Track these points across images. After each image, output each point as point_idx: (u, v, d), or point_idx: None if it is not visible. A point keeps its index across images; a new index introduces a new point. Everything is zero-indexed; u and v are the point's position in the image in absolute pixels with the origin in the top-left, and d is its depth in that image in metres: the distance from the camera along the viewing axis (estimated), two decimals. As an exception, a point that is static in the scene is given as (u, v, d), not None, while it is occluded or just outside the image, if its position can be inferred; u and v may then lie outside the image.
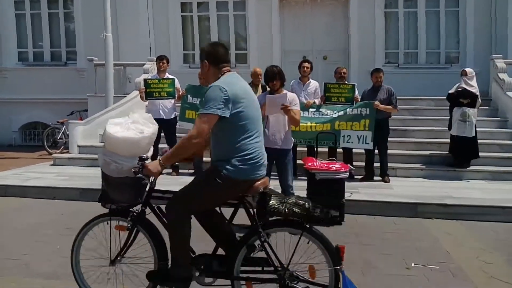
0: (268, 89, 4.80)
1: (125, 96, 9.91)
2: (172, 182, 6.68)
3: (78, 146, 8.53)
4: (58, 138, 10.37)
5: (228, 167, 2.61)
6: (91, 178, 6.86)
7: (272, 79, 4.63)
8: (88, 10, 11.35)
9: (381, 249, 4.27)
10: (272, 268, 2.66)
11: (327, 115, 6.97)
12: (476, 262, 3.95)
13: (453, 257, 4.06)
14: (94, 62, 10.57)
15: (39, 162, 8.96)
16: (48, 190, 6.41)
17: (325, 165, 5.18)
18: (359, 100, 7.03)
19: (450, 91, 7.35)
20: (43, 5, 12.23)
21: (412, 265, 3.86)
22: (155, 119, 7.91)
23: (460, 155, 7.17)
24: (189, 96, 7.19)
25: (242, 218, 2.77)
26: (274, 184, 4.95)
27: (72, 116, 10.56)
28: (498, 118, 8.71)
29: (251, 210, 2.72)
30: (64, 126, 10.21)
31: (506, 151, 7.66)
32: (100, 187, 2.95)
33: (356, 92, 7.09)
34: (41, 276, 3.62)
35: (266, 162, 2.78)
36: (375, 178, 6.92)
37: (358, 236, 4.65)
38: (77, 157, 8.30)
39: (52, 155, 8.90)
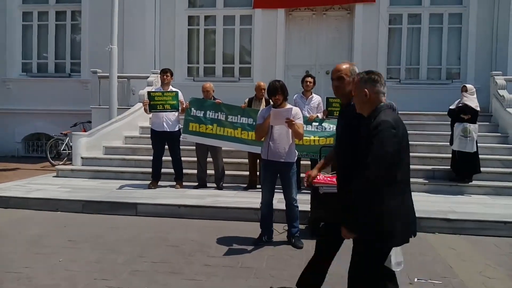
0: (272, 103, 4.85)
1: (129, 108, 9.98)
2: (176, 195, 6.73)
3: (82, 158, 8.54)
4: (62, 149, 10.42)
5: None
6: (94, 190, 6.89)
7: (275, 94, 4.69)
8: (95, 22, 11.46)
9: (384, 264, 4.26)
10: None
11: (330, 129, 7.01)
12: (479, 277, 3.94)
13: (456, 272, 4.05)
14: (98, 74, 10.64)
15: (42, 173, 8.97)
16: (51, 202, 6.39)
17: (329, 178, 5.19)
18: (361, 114, 7.06)
19: (451, 107, 7.41)
20: (51, 17, 12.39)
21: (415, 280, 3.85)
22: (158, 131, 7.95)
23: (462, 170, 7.19)
24: (192, 109, 7.24)
25: None
26: (279, 197, 4.99)
27: (76, 128, 10.62)
28: (499, 134, 8.75)
29: None
30: (68, 138, 10.26)
31: (507, 166, 7.67)
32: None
33: (359, 107, 7.12)
34: (43, 289, 3.61)
35: None
36: (377, 192, 6.90)
37: (361, 251, 4.63)
38: (80, 169, 8.31)
39: (55, 166, 8.92)
